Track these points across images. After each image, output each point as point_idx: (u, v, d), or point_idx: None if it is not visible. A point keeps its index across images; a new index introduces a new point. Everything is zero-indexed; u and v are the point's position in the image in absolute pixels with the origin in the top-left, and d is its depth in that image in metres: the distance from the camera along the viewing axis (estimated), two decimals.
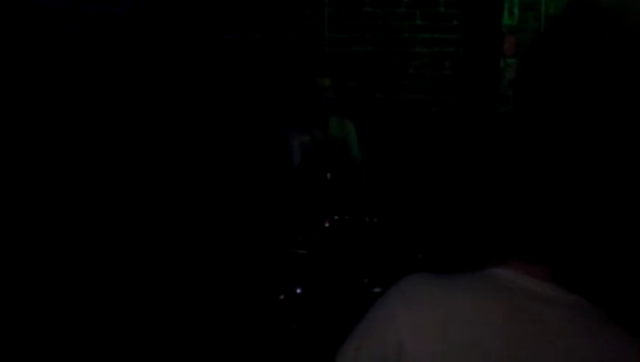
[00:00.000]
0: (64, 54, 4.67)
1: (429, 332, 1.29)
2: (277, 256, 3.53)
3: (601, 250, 1.33)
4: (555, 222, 1.32)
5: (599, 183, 1.32)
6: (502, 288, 1.34)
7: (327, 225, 3.53)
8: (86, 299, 3.73)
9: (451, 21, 4.88)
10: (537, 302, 1.31)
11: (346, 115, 4.35)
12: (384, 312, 1.35)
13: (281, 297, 3.39)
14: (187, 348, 3.47)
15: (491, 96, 4.61)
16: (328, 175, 3.86)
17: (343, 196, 3.95)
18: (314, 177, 3.93)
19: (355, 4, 4.85)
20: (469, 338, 1.28)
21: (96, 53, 4.69)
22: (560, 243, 1.33)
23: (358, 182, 4.21)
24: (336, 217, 3.53)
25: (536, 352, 1.27)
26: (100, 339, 3.46)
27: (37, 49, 4.64)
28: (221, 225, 4.30)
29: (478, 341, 1.28)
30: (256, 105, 4.80)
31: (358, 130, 4.31)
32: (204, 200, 4.53)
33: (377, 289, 3.35)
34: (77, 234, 4.27)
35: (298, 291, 3.38)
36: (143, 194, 4.12)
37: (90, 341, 3.44)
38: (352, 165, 4.23)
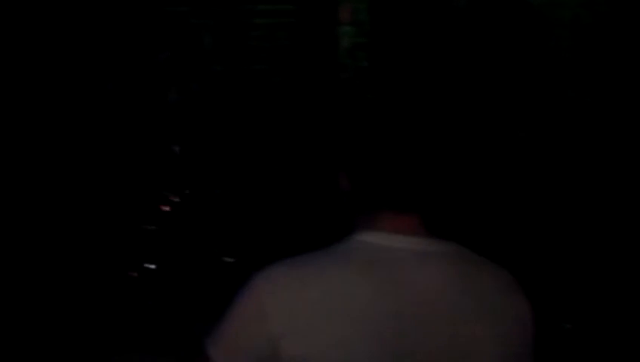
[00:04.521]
0: None
1: (302, 322, 1.28)
2: (125, 232, 3.48)
3: (456, 193, 1.41)
4: (417, 168, 1.37)
5: (442, 131, 1.40)
6: (371, 254, 1.34)
7: (176, 199, 3.52)
8: None
9: None
10: (409, 260, 1.34)
11: (189, 88, 4.32)
12: (253, 307, 1.33)
13: (134, 274, 3.36)
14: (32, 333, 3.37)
15: (329, 65, 4.71)
16: (176, 148, 3.83)
17: (192, 169, 3.92)
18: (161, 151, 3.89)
19: None
20: (345, 317, 1.28)
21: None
22: (425, 187, 1.39)
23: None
24: (186, 191, 3.52)
25: (417, 312, 1.30)
26: None
27: None
28: (64, 201, 4.17)
29: (355, 317, 1.28)
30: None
31: (201, 104, 4.28)
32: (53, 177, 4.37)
33: (229, 259, 3.39)
34: None
35: (150, 267, 3.36)
36: None
37: None
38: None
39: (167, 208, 3.48)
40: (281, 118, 4.75)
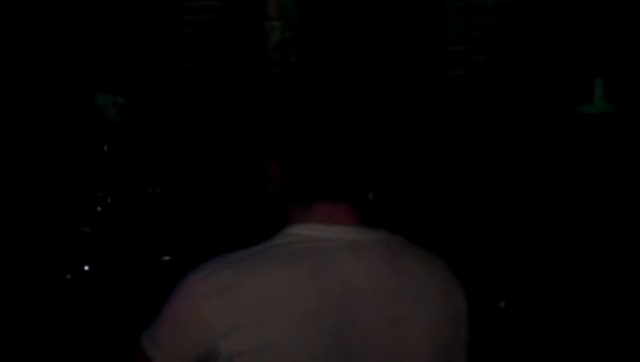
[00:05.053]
0: None
1: (239, 320, 1.28)
2: (59, 235, 3.44)
3: (387, 179, 1.43)
4: (349, 156, 1.38)
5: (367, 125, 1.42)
6: (306, 248, 1.34)
7: (109, 199, 3.49)
8: None
9: None
10: (344, 251, 1.34)
11: (117, 89, 4.27)
12: (190, 309, 1.32)
13: (68, 276, 3.31)
14: None
15: (259, 60, 4.72)
16: (105, 147, 3.78)
17: (123, 168, 3.89)
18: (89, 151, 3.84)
19: None
20: (282, 312, 1.28)
21: None
22: (357, 174, 1.40)
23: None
24: (120, 191, 3.49)
25: (354, 304, 1.31)
26: None
27: None
28: None
29: (292, 312, 1.28)
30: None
31: (134, 102, 4.25)
32: None
33: (166, 258, 3.37)
34: None
35: (86, 268, 3.32)
36: None
37: None
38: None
39: (101, 209, 3.45)
40: (212, 114, 4.74)
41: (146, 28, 4.82)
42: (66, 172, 3.92)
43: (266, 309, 1.27)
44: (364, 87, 1.46)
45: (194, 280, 1.33)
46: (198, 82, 4.90)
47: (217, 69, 4.93)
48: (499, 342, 3.14)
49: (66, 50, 4.21)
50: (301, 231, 1.37)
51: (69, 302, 3.25)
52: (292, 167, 1.39)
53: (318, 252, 1.34)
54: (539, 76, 4.46)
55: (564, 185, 4.00)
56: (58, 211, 3.55)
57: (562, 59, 4.46)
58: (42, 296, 3.30)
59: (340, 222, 1.38)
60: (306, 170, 1.37)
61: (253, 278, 1.30)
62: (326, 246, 1.35)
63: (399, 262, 1.39)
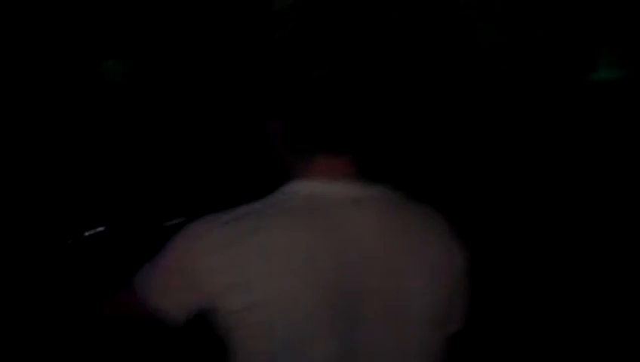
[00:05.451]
0: None
1: (239, 277, 1.27)
2: (60, 198, 3.44)
3: (387, 133, 1.41)
4: (350, 106, 1.36)
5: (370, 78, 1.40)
6: (308, 204, 1.34)
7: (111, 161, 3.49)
8: None
9: None
10: (345, 207, 1.34)
11: (118, 53, 4.27)
12: (188, 262, 1.31)
13: (70, 241, 3.31)
14: None
15: (262, 23, 4.70)
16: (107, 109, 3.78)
17: (125, 128, 3.89)
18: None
19: None
20: (284, 268, 1.28)
21: None
22: (358, 125, 1.38)
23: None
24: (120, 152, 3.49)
25: (357, 259, 1.31)
26: None
27: None
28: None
29: (294, 268, 1.28)
30: None
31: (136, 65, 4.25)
32: None
33: (173, 221, 3.37)
34: None
35: (86, 234, 3.33)
36: None
37: None
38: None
39: (103, 171, 3.45)
40: (214, 77, 4.72)
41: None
42: (69, 132, 3.92)
43: (267, 265, 1.27)
44: (365, 42, 1.45)
45: (195, 234, 1.33)
46: (201, 47, 4.87)
47: (220, 31, 4.90)
48: (495, 298, 3.14)
49: (68, 17, 4.19)
50: (302, 187, 1.37)
51: (70, 268, 3.25)
52: (293, 121, 1.38)
53: (319, 207, 1.34)
54: (544, 44, 4.43)
55: (569, 152, 3.99)
56: (60, 171, 3.55)
57: (568, 27, 4.43)
58: (43, 260, 3.31)
59: (341, 177, 1.37)
60: (306, 122, 1.36)
61: (255, 234, 1.29)
62: (327, 203, 1.34)
63: (400, 216, 1.39)
